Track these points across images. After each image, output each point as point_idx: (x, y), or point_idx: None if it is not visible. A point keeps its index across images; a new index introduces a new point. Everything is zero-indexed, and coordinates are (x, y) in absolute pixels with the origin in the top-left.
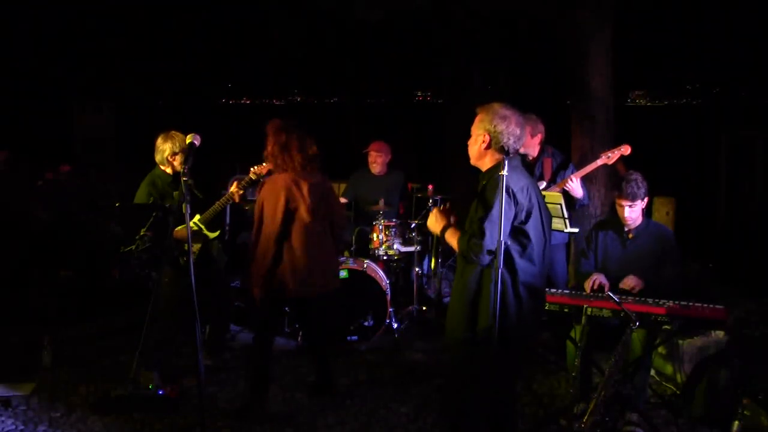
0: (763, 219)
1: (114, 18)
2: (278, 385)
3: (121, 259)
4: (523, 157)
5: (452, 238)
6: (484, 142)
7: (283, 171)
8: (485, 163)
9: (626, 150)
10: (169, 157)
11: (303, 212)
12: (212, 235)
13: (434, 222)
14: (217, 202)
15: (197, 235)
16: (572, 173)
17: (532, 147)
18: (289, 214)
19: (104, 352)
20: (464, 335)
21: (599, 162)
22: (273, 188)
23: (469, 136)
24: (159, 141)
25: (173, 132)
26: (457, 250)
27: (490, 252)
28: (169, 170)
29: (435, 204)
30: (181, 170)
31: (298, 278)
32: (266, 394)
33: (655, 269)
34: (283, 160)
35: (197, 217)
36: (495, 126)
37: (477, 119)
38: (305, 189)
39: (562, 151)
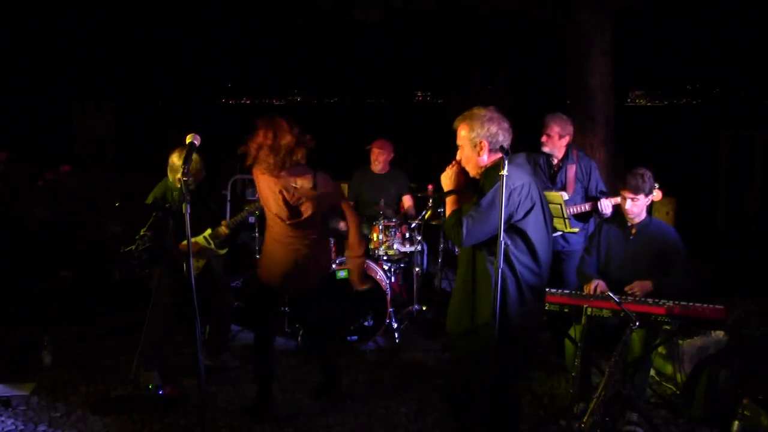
0: (763, 219)
1: (114, 18)
2: (278, 385)
3: (121, 259)
4: (548, 157)
5: (448, 208)
6: (482, 149)
7: (267, 169)
8: (487, 166)
9: (658, 196)
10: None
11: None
12: (221, 252)
13: (448, 180)
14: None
15: (205, 250)
16: (594, 173)
17: (558, 148)
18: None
19: (104, 352)
20: (466, 328)
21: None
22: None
23: None
24: (174, 158)
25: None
26: (447, 215)
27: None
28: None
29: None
30: (181, 170)
31: (278, 271)
32: (271, 393)
33: (661, 270)
34: (267, 162)
35: (208, 231)
36: (488, 129)
37: (464, 132)
38: (280, 187)
39: (586, 153)
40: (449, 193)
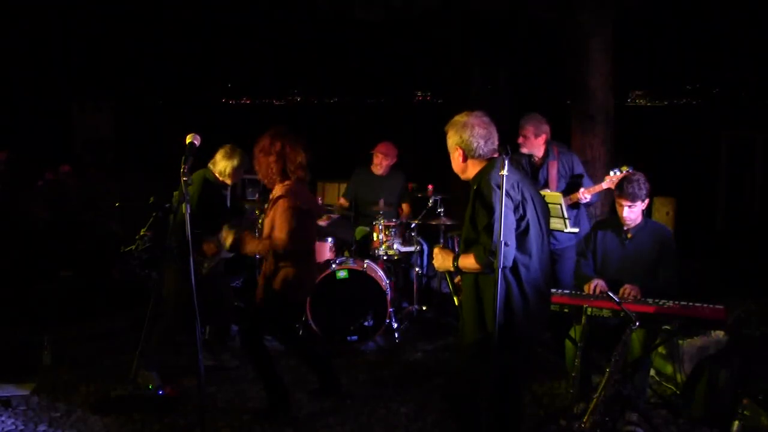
0: (763, 219)
1: (114, 18)
2: None
3: (121, 259)
4: (529, 157)
5: (467, 261)
6: (459, 155)
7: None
8: (471, 173)
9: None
10: (231, 171)
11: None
12: (230, 254)
13: (442, 260)
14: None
15: (218, 252)
16: (578, 168)
17: (536, 147)
18: None
19: (104, 352)
20: (476, 337)
21: (604, 186)
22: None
23: None
24: (219, 156)
25: (239, 149)
26: (474, 269)
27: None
28: (228, 181)
29: (437, 248)
30: (181, 170)
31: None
32: (286, 392)
33: (653, 270)
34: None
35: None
36: (461, 136)
37: (447, 138)
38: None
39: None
40: (455, 260)
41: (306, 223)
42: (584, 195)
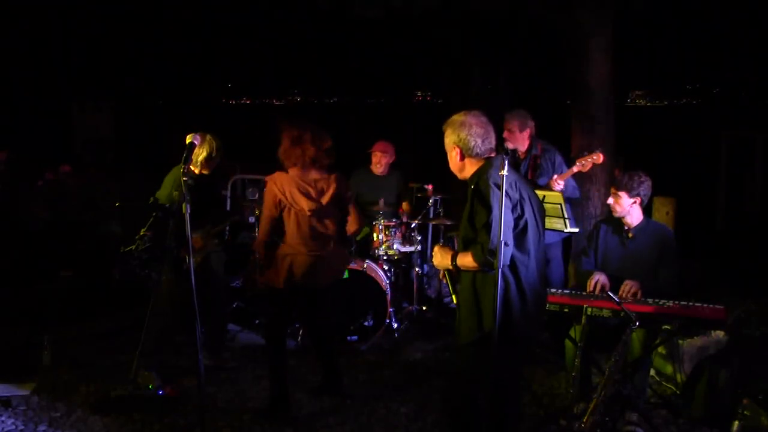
0: (763, 219)
1: (114, 18)
2: None
3: (121, 259)
4: (513, 152)
5: (465, 259)
6: (457, 154)
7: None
8: (468, 172)
9: (599, 159)
10: (203, 161)
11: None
12: (216, 246)
13: (441, 257)
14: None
15: (205, 246)
16: (560, 166)
17: (521, 142)
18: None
19: (104, 352)
20: (473, 337)
21: (575, 169)
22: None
23: None
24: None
25: (209, 136)
26: (472, 267)
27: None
28: (205, 171)
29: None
30: (181, 169)
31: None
32: (288, 392)
33: (654, 270)
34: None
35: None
36: (458, 135)
37: (445, 137)
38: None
39: (553, 143)
40: (453, 259)
41: (295, 209)
42: (557, 182)
